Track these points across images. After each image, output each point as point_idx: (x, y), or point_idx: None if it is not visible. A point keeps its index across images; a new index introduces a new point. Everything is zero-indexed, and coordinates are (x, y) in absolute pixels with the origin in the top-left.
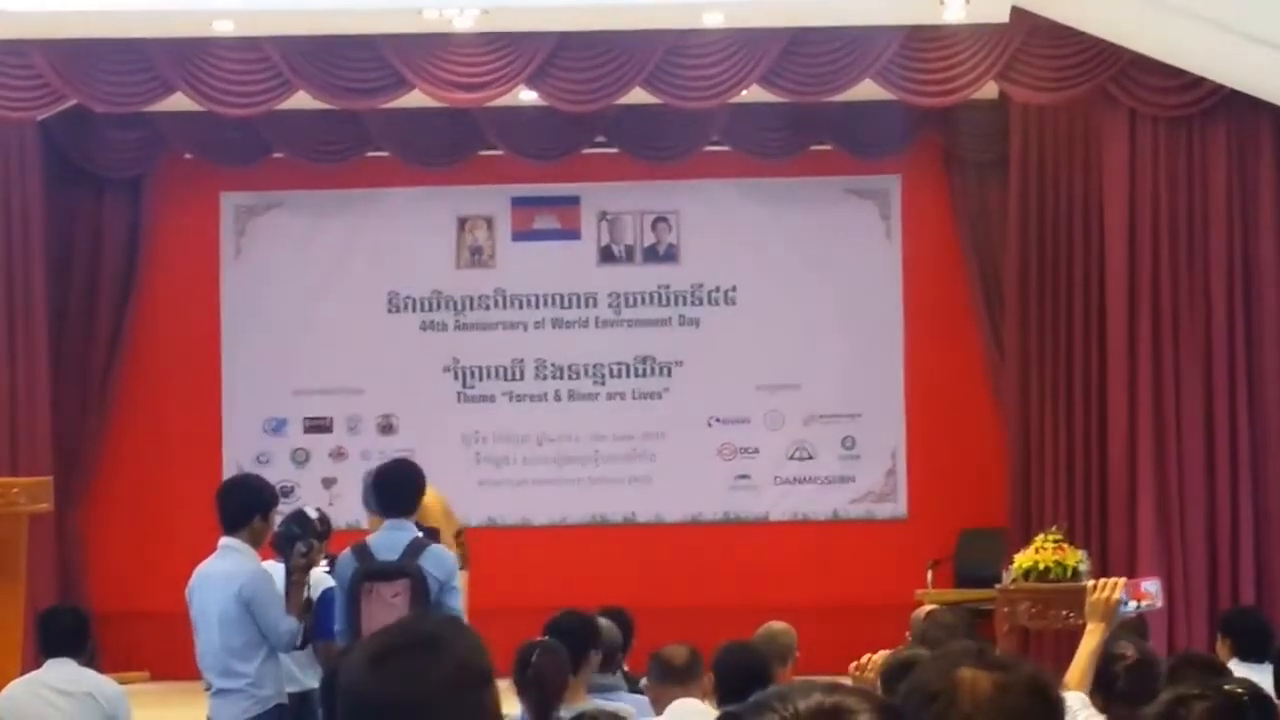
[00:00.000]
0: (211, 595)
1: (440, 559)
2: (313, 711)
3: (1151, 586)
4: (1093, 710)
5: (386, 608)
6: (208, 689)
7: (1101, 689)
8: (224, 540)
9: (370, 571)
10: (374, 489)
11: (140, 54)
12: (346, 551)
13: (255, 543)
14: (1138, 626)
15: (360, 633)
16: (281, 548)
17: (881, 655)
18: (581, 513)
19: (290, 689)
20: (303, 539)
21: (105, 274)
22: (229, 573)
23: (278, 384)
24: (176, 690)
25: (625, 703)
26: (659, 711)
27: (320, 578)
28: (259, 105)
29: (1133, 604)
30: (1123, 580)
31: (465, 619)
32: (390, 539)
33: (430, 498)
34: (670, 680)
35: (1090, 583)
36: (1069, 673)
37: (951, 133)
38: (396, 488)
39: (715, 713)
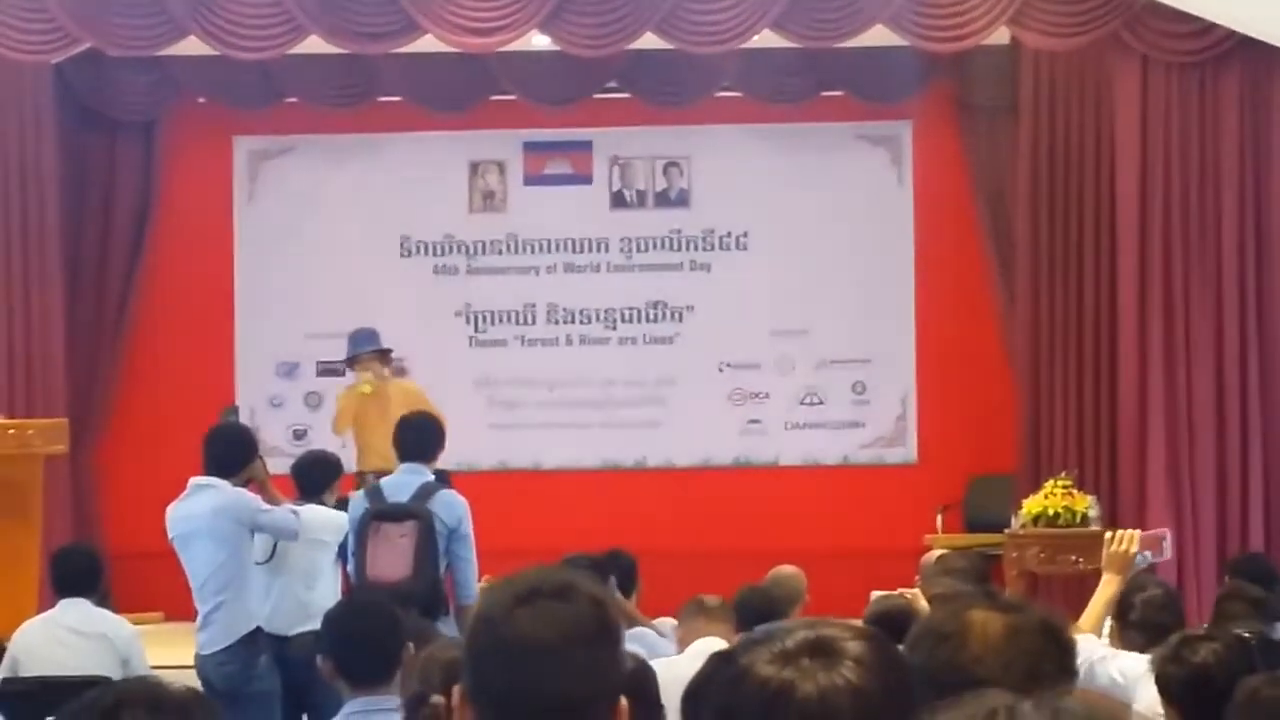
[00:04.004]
0: (196, 532)
1: (450, 504)
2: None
3: (1162, 539)
4: (1108, 650)
5: (392, 547)
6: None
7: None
8: (200, 479)
9: (379, 512)
10: (395, 435)
11: None
12: (359, 492)
13: (241, 483)
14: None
15: (367, 571)
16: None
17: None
18: (592, 457)
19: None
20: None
21: (119, 217)
22: (216, 508)
23: (291, 327)
24: (190, 630)
25: (632, 643)
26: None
27: (339, 518)
28: (271, 49)
29: (1146, 553)
30: (1138, 533)
31: (476, 567)
32: (403, 481)
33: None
34: (698, 617)
35: (1108, 535)
36: (1083, 618)
37: (963, 78)
38: (415, 435)
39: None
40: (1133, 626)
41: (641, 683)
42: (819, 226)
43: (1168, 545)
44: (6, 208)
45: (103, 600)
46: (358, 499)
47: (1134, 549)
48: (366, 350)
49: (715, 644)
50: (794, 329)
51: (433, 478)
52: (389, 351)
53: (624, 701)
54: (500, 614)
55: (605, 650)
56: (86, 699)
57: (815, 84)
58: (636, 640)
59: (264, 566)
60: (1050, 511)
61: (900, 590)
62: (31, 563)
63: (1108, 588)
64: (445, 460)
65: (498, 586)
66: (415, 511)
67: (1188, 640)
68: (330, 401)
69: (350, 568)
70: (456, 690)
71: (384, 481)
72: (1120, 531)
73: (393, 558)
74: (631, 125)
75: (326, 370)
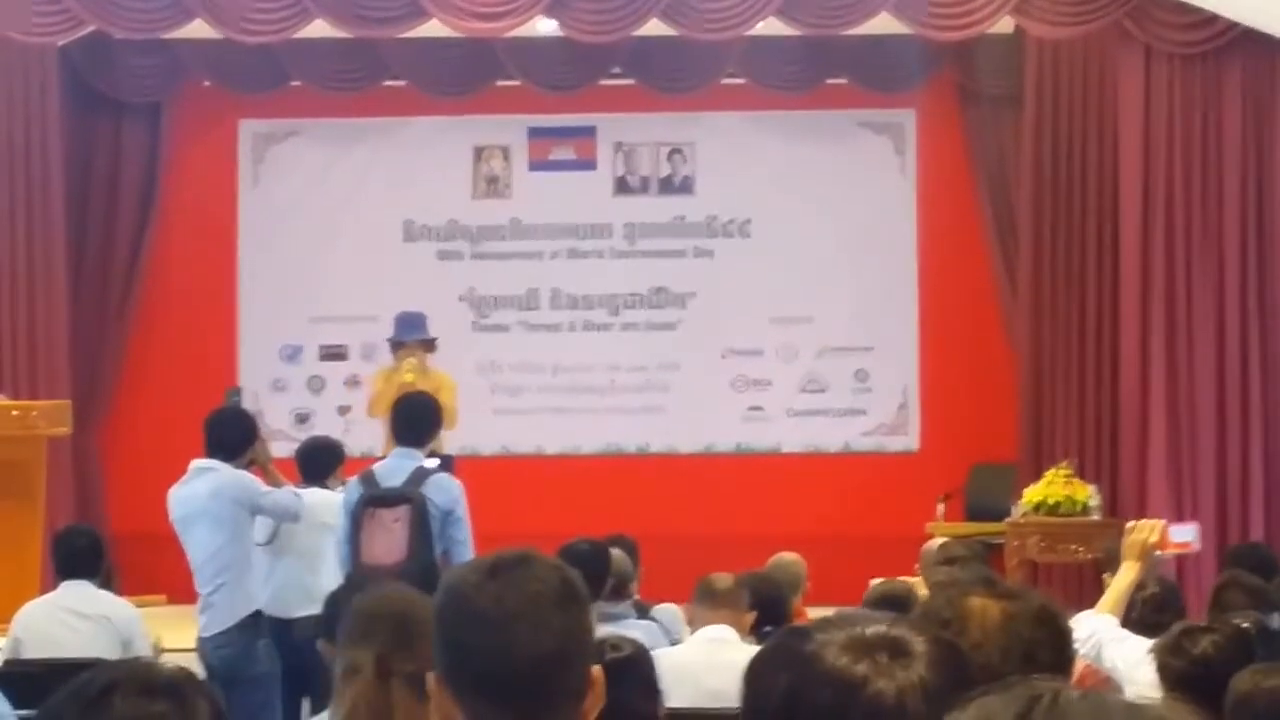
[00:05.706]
0: (197, 514)
1: (443, 488)
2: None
3: (1189, 535)
4: (1121, 633)
5: (386, 532)
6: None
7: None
8: (202, 462)
9: (373, 497)
10: (391, 418)
11: None
12: (353, 478)
13: (244, 466)
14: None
15: (360, 555)
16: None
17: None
18: (595, 443)
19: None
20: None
21: (124, 200)
22: (215, 490)
23: (294, 311)
24: (194, 613)
25: (634, 630)
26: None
27: (334, 500)
28: (277, 33)
29: (1182, 539)
30: (1162, 523)
31: (472, 550)
32: (396, 466)
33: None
34: (706, 601)
35: (1130, 523)
36: (1100, 604)
37: (967, 67)
38: (411, 418)
39: (738, 639)
40: (1132, 625)
41: (640, 667)
42: (822, 214)
43: (1197, 540)
44: (11, 189)
45: (105, 582)
46: (351, 484)
47: (1154, 539)
48: (414, 338)
49: (721, 631)
50: (796, 316)
51: (424, 462)
52: (434, 340)
53: (597, 669)
54: (470, 589)
55: (574, 611)
56: (78, 681)
57: (819, 72)
58: (638, 629)
59: (266, 549)
60: (1051, 500)
61: (901, 578)
62: (34, 544)
63: (1126, 575)
64: (448, 445)
65: (460, 568)
66: (408, 495)
67: (1188, 631)
68: (333, 385)
69: (343, 552)
70: (430, 677)
71: (376, 466)
72: (1144, 521)
73: (387, 542)
74: (636, 111)
75: (330, 354)
